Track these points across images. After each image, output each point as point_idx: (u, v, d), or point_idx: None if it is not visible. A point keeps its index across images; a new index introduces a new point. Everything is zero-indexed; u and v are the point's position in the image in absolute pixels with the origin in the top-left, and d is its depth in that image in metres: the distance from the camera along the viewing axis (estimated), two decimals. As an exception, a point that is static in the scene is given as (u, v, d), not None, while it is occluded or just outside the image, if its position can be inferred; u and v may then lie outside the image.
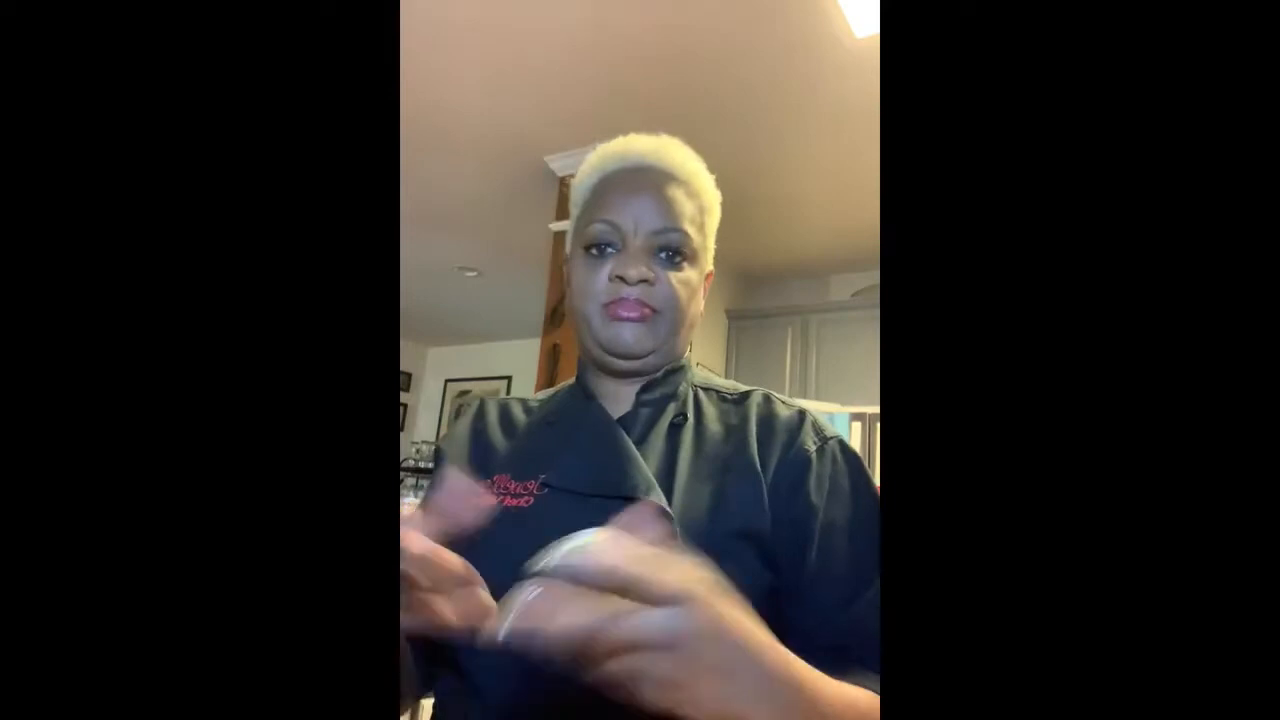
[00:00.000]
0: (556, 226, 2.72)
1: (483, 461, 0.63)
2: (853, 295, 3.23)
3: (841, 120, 2.28)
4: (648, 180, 0.61)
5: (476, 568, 0.52)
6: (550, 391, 0.72)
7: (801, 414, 0.61)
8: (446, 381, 5.67)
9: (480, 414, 0.69)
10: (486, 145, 2.66)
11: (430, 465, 4.74)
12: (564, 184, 2.75)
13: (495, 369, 5.37)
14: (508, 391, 5.08)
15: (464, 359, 5.62)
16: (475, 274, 4.02)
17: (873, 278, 3.31)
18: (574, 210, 0.66)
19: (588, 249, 0.61)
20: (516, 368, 5.20)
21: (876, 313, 2.92)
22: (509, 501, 0.56)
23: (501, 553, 0.52)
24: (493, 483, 0.59)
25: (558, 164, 2.72)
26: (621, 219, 0.60)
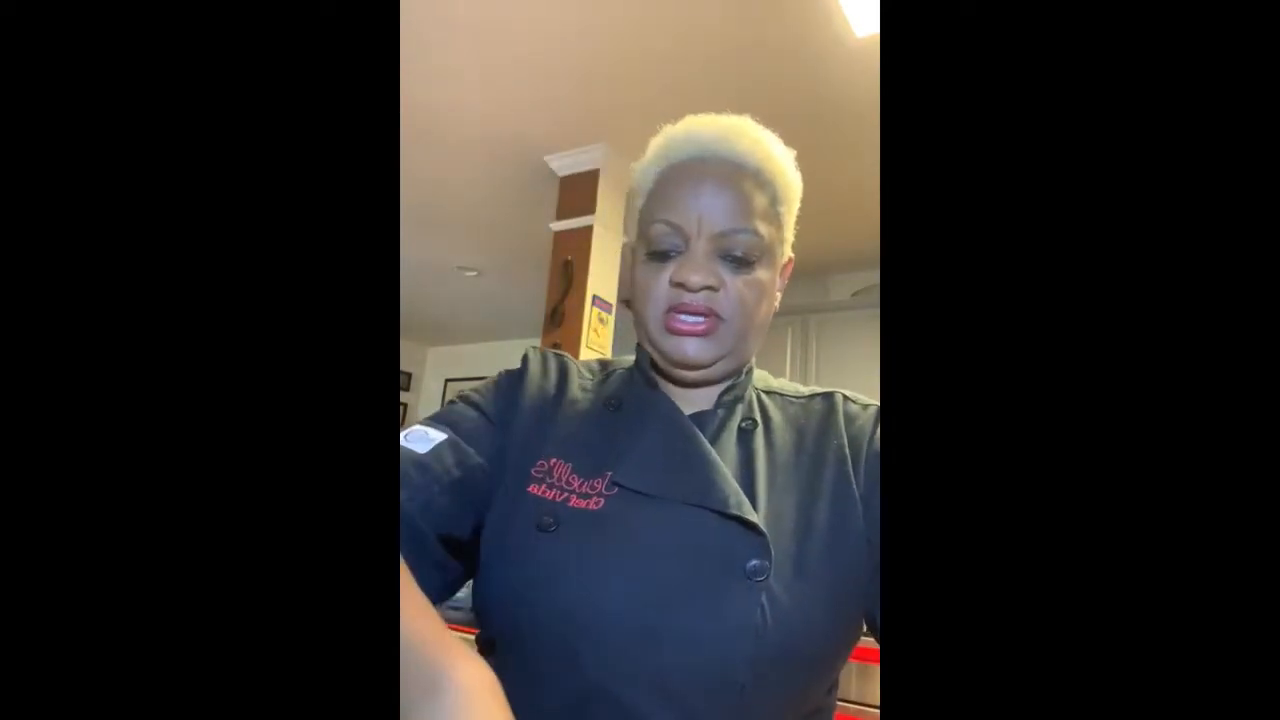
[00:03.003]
0: (557, 226, 2.71)
1: (539, 430, 0.58)
2: (853, 295, 3.23)
3: (841, 120, 2.28)
4: (712, 174, 0.54)
5: (541, 580, 0.48)
6: (600, 368, 0.66)
7: (879, 409, 0.58)
8: (446, 381, 5.66)
9: (540, 372, 0.63)
10: (486, 145, 2.66)
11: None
12: (564, 184, 2.75)
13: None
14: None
15: (464, 359, 5.62)
16: (475, 274, 4.02)
17: (873, 278, 3.31)
18: (636, 200, 0.60)
19: (650, 251, 0.56)
20: (516, 368, 5.19)
21: (876, 313, 2.92)
22: (576, 502, 0.51)
23: (572, 564, 0.48)
24: (549, 467, 0.54)
25: (558, 164, 2.72)
26: (684, 220, 0.54)
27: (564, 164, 2.71)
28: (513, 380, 0.63)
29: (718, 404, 0.58)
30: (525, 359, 0.64)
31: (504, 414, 0.60)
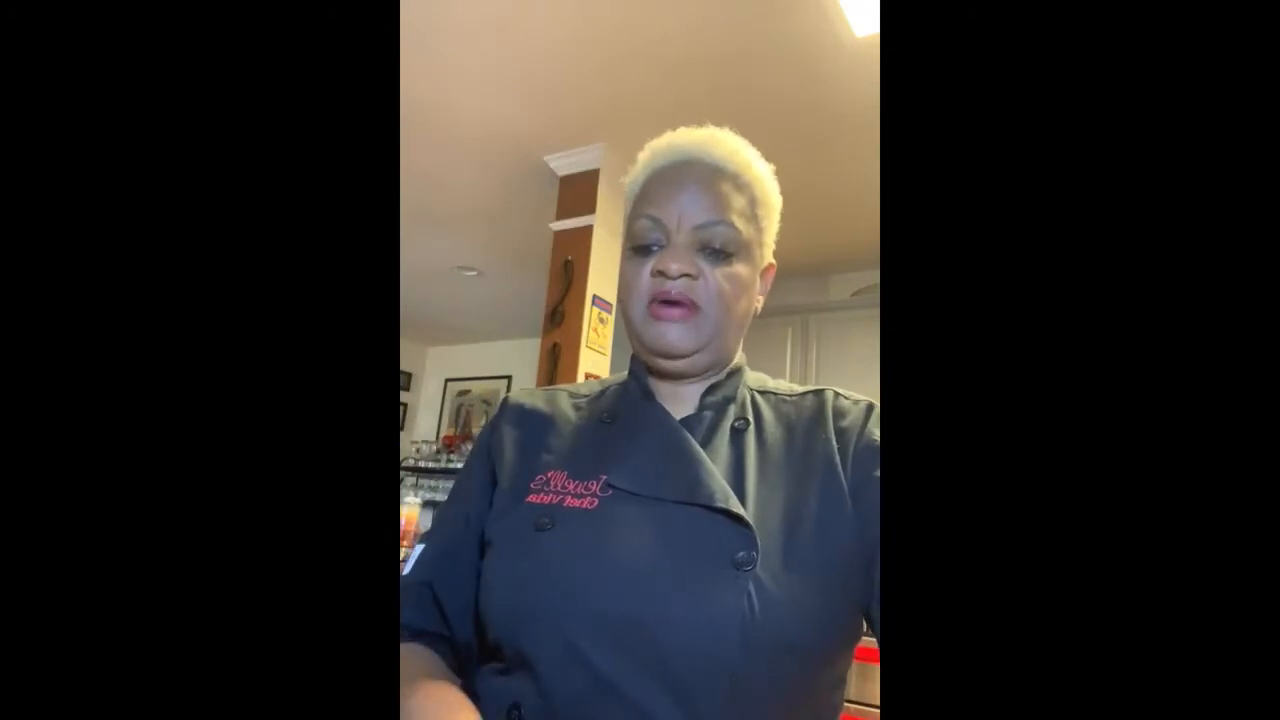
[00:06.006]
0: (557, 226, 2.71)
1: (531, 453, 0.61)
2: (853, 295, 3.23)
3: (841, 120, 2.28)
4: (693, 174, 0.58)
5: (539, 574, 0.50)
6: (598, 385, 0.69)
7: (870, 405, 0.60)
8: (446, 381, 5.66)
9: (525, 402, 0.66)
10: (486, 145, 2.66)
11: (430, 465, 4.72)
12: (564, 184, 2.74)
13: (495, 369, 5.37)
14: (507, 391, 5.04)
15: (464, 359, 5.62)
16: (475, 274, 4.02)
17: (873, 278, 3.31)
18: (625, 208, 0.64)
19: (635, 248, 0.60)
20: (516, 368, 5.20)
21: (876, 312, 2.92)
22: (571, 502, 0.54)
23: (567, 557, 0.50)
24: (547, 479, 0.57)
25: (558, 164, 2.72)
26: (664, 214, 0.58)
27: (564, 164, 2.71)
28: (495, 420, 0.66)
29: (702, 405, 0.61)
30: (506, 398, 0.68)
31: (489, 452, 0.64)
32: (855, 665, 2.05)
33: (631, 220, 0.61)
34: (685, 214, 0.57)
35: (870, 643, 1.83)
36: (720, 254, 0.58)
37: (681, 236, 0.57)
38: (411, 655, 0.55)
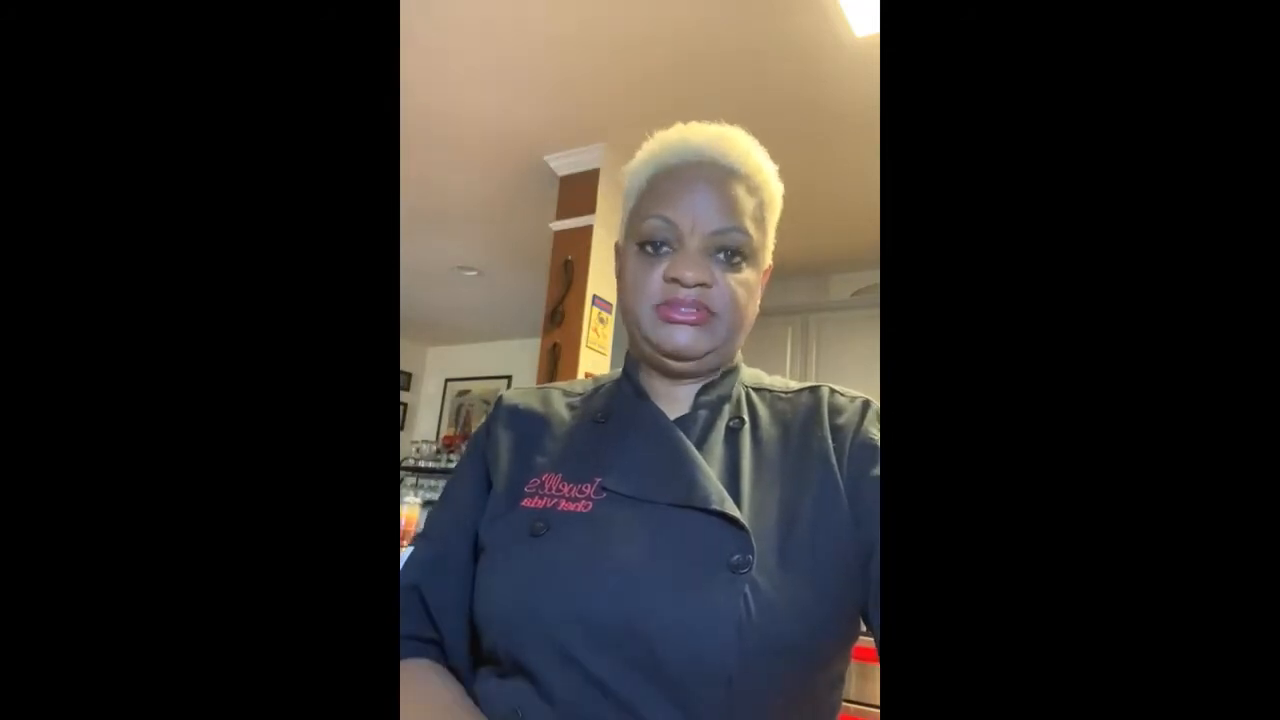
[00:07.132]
0: (557, 226, 2.71)
1: (525, 455, 0.60)
2: (853, 295, 3.23)
3: (841, 120, 2.28)
4: (707, 175, 0.57)
5: (534, 580, 0.50)
6: (592, 384, 0.68)
7: (866, 402, 0.60)
8: (446, 381, 5.67)
9: (519, 403, 0.65)
10: (486, 145, 2.66)
11: (430, 465, 4.71)
12: (564, 184, 2.74)
13: (495, 369, 5.37)
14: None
15: (464, 359, 5.62)
16: (475, 274, 4.02)
17: (873, 278, 3.31)
18: (627, 200, 0.63)
19: (642, 245, 0.58)
20: (516, 367, 5.20)
21: (876, 312, 2.92)
22: (565, 506, 0.53)
23: (563, 563, 0.50)
24: (541, 483, 0.56)
25: (558, 164, 2.72)
26: (678, 216, 0.56)
27: (564, 164, 2.71)
28: (488, 421, 0.66)
29: (697, 405, 0.60)
30: (500, 397, 0.68)
31: (483, 454, 0.63)
32: (855, 665, 2.05)
33: (638, 217, 0.59)
34: (700, 218, 0.56)
35: (870, 643, 1.83)
36: (733, 260, 0.57)
37: (695, 241, 0.56)
38: (427, 675, 0.54)
